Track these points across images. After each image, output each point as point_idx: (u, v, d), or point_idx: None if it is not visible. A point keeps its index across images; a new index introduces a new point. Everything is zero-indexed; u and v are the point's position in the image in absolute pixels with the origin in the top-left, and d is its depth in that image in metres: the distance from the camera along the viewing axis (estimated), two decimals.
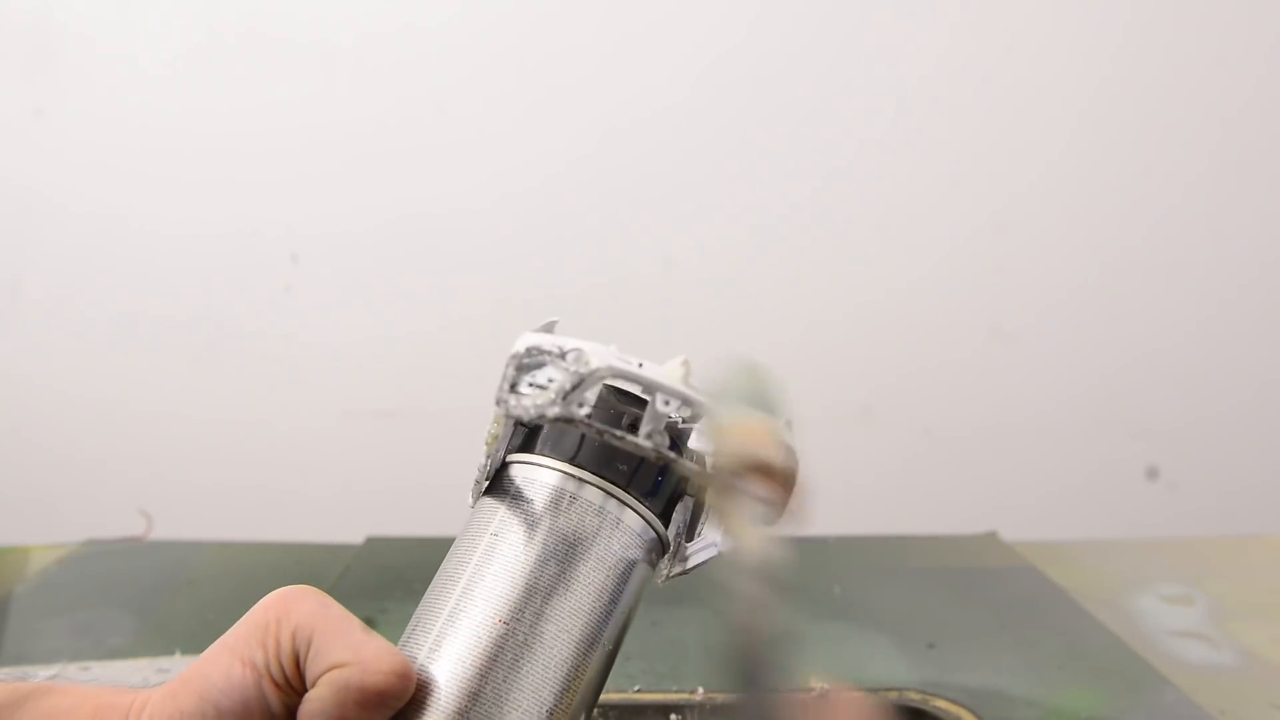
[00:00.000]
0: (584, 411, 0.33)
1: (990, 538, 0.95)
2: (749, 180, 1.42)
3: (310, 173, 1.39)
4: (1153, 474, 1.51)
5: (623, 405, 0.35)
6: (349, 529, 0.96)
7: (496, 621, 0.32)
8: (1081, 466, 1.50)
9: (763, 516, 0.22)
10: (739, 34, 1.38)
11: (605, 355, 0.33)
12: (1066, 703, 0.64)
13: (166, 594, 0.82)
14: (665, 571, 0.37)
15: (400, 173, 1.40)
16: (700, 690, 0.64)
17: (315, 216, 1.40)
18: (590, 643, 0.33)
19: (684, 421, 0.36)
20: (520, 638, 0.32)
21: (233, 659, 0.31)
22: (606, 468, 0.35)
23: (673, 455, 0.33)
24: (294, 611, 0.31)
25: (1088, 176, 1.44)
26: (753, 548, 0.21)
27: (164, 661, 0.63)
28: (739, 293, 1.45)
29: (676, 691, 0.65)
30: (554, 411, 0.32)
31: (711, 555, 0.37)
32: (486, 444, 0.36)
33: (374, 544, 0.93)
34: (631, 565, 0.35)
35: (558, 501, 0.34)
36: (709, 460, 0.25)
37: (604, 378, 0.33)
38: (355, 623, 0.31)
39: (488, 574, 0.33)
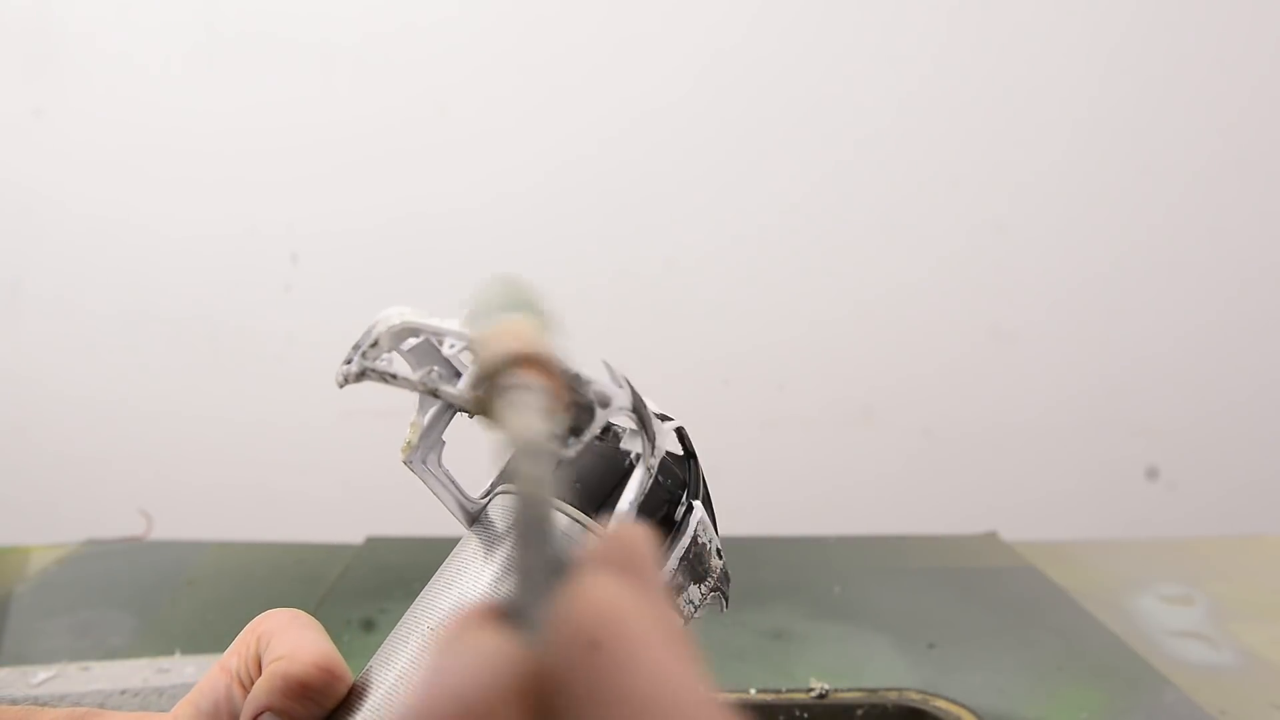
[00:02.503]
0: (381, 365, 0.34)
1: (990, 538, 0.95)
2: (749, 180, 1.42)
3: (310, 173, 1.39)
4: (1153, 474, 1.51)
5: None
6: (349, 529, 0.96)
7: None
8: (1081, 466, 1.50)
9: (529, 403, 0.23)
10: (739, 34, 1.38)
11: (399, 311, 0.34)
12: (1066, 703, 0.64)
13: (166, 594, 0.82)
14: None
15: (400, 172, 1.40)
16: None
17: (315, 216, 1.40)
18: None
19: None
20: None
21: (216, 669, 0.34)
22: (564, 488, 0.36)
23: (443, 387, 0.33)
24: (266, 621, 0.33)
25: (1088, 176, 1.44)
26: (523, 429, 0.21)
27: (164, 661, 0.63)
28: (739, 293, 1.45)
29: None
30: (348, 370, 0.34)
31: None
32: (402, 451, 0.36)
33: (374, 544, 0.93)
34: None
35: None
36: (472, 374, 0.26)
37: (394, 327, 0.34)
38: (313, 628, 0.33)
39: (439, 589, 0.34)
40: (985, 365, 1.47)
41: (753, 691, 0.64)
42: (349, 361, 0.35)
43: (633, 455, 0.40)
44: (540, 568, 0.18)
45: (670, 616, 0.18)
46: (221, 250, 1.41)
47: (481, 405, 0.24)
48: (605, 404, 0.32)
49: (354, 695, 0.32)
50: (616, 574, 0.18)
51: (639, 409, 0.34)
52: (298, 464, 1.45)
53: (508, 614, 0.18)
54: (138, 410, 1.44)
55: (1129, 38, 1.41)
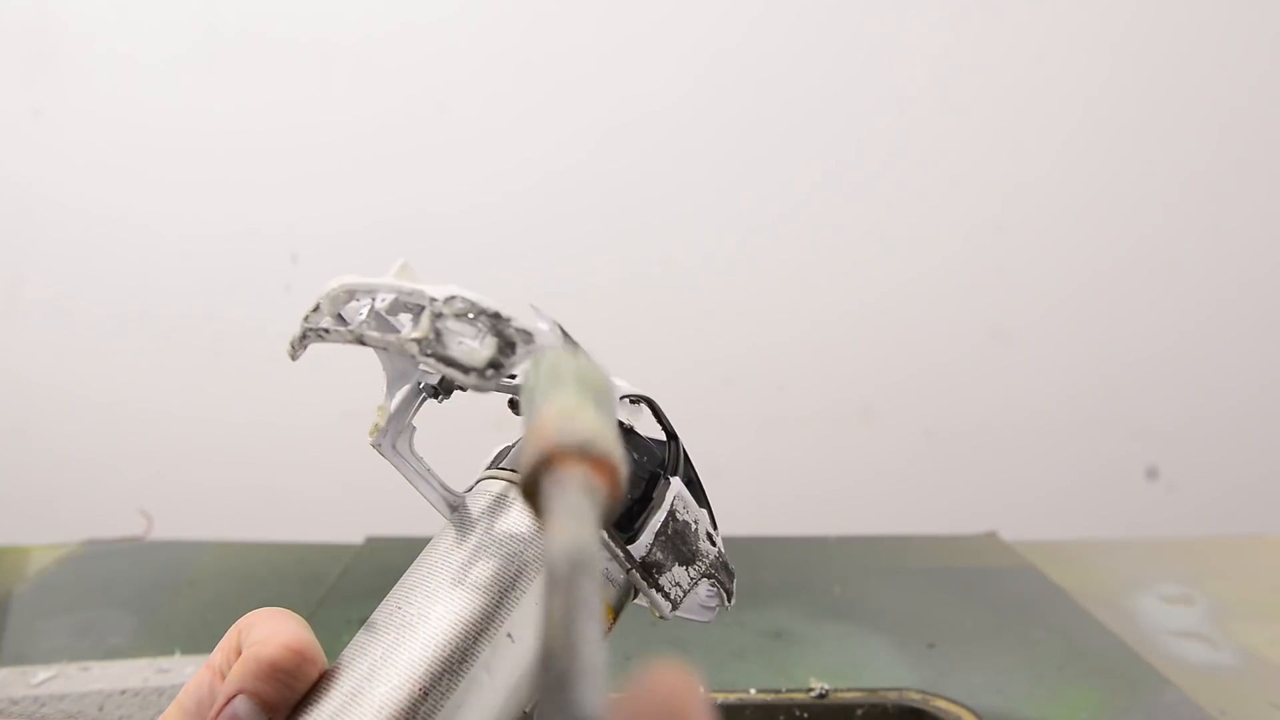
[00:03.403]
0: (323, 324, 0.34)
1: (990, 538, 0.95)
2: (749, 180, 1.42)
3: (310, 172, 1.39)
4: (1153, 474, 1.51)
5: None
6: (349, 529, 0.96)
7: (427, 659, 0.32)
8: (1081, 466, 1.50)
9: (576, 504, 0.21)
10: (739, 33, 1.38)
11: (339, 278, 0.35)
12: (1066, 703, 0.64)
13: (166, 594, 0.82)
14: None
15: (400, 172, 1.40)
16: (700, 690, 0.64)
17: (315, 216, 1.40)
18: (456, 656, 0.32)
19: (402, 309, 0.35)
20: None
21: (204, 668, 0.34)
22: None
23: (369, 333, 0.33)
24: (249, 618, 0.34)
25: (1088, 176, 1.44)
26: (562, 537, 0.19)
27: (164, 661, 0.63)
28: (739, 293, 1.45)
29: None
30: (298, 330, 0.35)
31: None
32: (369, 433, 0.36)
33: (374, 544, 0.93)
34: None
35: (496, 508, 0.35)
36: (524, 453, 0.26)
37: (331, 291, 0.35)
38: (290, 618, 0.33)
39: (414, 580, 0.34)
40: (985, 365, 1.47)
41: (753, 691, 0.64)
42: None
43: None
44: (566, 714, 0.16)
45: None
46: (221, 250, 1.41)
47: (529, 495, 0.22)
48: (528, 340, 0.31)
49: (326, 680, 0.32)
50: None
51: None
52: (298, 464, 1.45)
53: None
54: (138, 410, 1.44)
55: (1129, 38, 1.41)
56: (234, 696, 0.31)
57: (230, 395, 1.44)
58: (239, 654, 0.33)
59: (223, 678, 0.33)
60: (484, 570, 0.33)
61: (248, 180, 1.40)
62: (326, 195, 1.40)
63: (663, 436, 0.39)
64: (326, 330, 0.35)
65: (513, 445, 0.39)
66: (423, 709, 0.30)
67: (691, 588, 0.38)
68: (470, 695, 0.31)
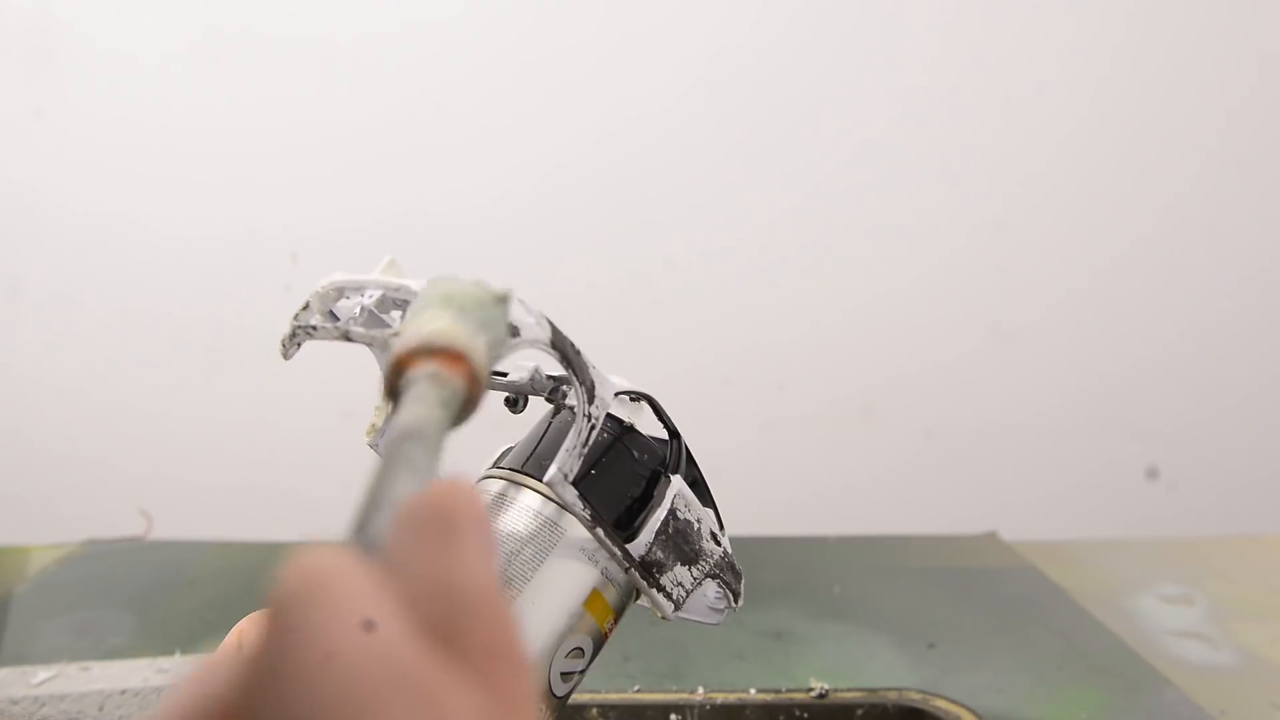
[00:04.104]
0: (312, 321, 0.35)
1: (990, 538, 0.95)
2: (749, 180, 1.42)
3: (310, 172, 1.39)
4: (1153, 474, 1.51)
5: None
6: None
7: None
8: (1081, 466, 1.50)
9: (420, 391, 0.23)
10: (739, 33, 1.38)
11: (330, 275, 0.36)
12: (1066, 703, 0.64)
13: (166, 594, 0.82)
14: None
15: (400, 172, 1.40)
16: (700, 690, 0.64)
17: (315, 216, 1.40)
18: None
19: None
20: None
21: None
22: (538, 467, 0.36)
23: (354, 328, 0.34)
24: (249, 620, 0.35)
25: (1087, 176, 1.44)
26: (401, 416, 0.22)
27: (164, 661, 0.63)
28: (739, 293, 1.45)
29: (676, 691, 0.65)
30: (288, 328, 0.36)
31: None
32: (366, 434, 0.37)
33: None
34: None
35: (498, 506, 0.35)
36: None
37: (320, 290, 0.35)
38: None
39: None
40: (985, 365, 1.47)
41: (753, 691, 0.64)
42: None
43: (570, 405, 0.39)
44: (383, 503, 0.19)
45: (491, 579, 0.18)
46: (221, 250, 1.41)
47: (391, 393, 0.24)
48: (515, 333, 0.31)
49: None
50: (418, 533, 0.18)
51: (562, 347, 0.33)
52: (298, 464, 1.45)
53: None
54: (138, 410, 1.44)
55: (1129, 37, 1.41)
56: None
57: (230, 395, 1.44)
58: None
59: None
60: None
61: (248, 180, 1.40)
62: (326, 195, 1.40)
63: (664, 435, 0.39)
64: (314, 327, 0.35)
65: (514, 446, 0.39)
66: None
67: (695, 588, 0.38)
68: None
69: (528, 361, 0.39)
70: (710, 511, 0.38)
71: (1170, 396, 1.49)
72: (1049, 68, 1.41)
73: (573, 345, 0.34)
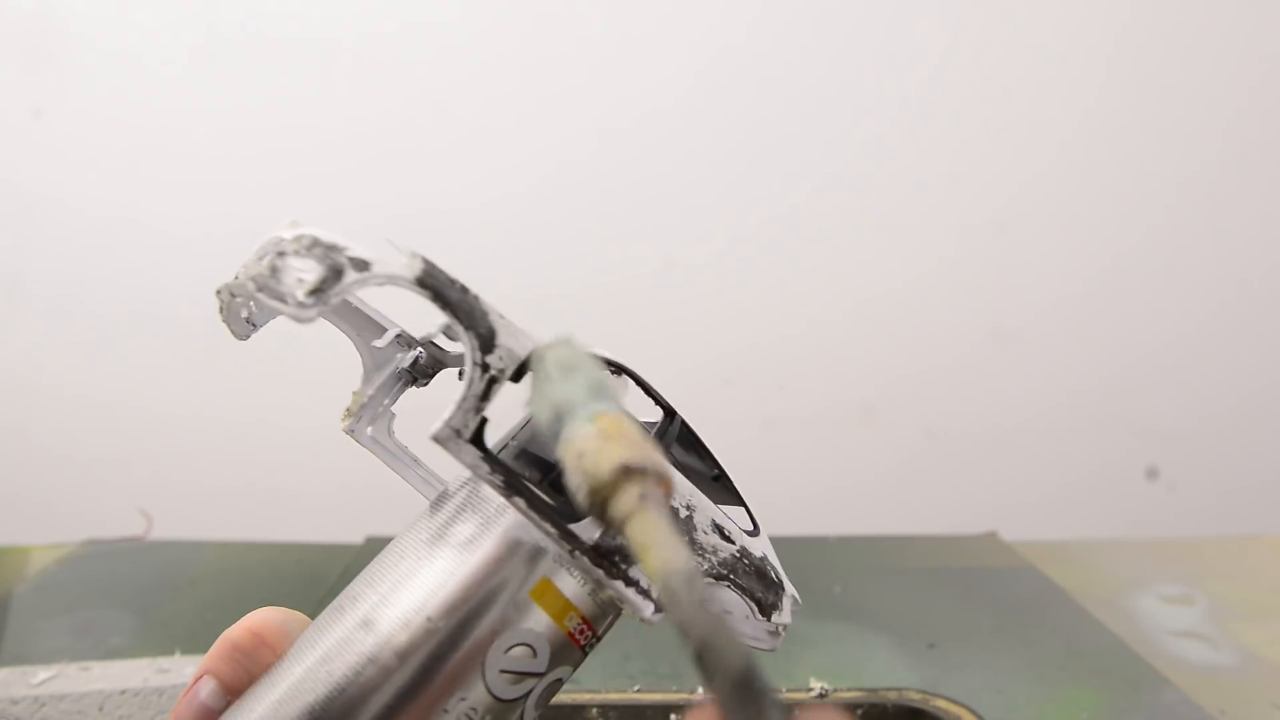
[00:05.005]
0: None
1: (990, 538, 0.95)
2: (749, 179, 1.42)
3: (310, 172, 1.39)
4: (1153, 474, 1.51)
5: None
6: (349, 529, 0.96)
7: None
8: (1081, 466, 1.50)
9: (662, 525, 0.20)
10: (739, 33, 1.38)
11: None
12: (1066, 703, 0.64)
13: (166, 594, 0.82)
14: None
15: (400, 172, 1.40)
16: (700, 690, 0.64)
17: (315, 216, 1.40)
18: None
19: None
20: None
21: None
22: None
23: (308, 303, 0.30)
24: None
25: (1088, 176, 1.44)
26: (665, 564, 0.19)
27: (164, 661, 0.63)
28: (739, 292, 1.45)
29: (676, 691, 0.65)
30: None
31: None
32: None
33: (374, 544, 0.93)
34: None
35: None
36: (577, 488, 0.23)
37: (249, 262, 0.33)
38: (283, 610, 0.33)
39: (377, 573, 0.31)
40: (985, 365, 1.47)
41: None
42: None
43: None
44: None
45: None
46: (222, 250, 1.40)
47: (602, 519, 0.22)
48: (362, 268, 0.29)
49: (278, 667, 0.31)
50: None
51: (432, 282, 0.30)
52: (298, 464, 1.45)
53: None
54: (138, 410, 1.44)
55: (1129, 37, 1.41)
56: (201, 677, 0.31)
57: (230, 395, 1.44)
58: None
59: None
60: (459, 533, 0.31)
61: (248, 180, 1.40)
62: (326, 195, 1.40)
63: (656, 418, 0.36)
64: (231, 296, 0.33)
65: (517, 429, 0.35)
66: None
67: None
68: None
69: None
70: (714, 504, 0.34)
71: (1170, 396, 1.49)
72: (1049, 68, 1.41)
73: (459, 285, 0.31)
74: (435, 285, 0.30)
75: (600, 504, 0.22)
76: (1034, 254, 1.45)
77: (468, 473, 0.30)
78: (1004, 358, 1.47)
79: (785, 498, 1.49)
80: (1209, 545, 0.95)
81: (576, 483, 0.23)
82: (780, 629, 0.35)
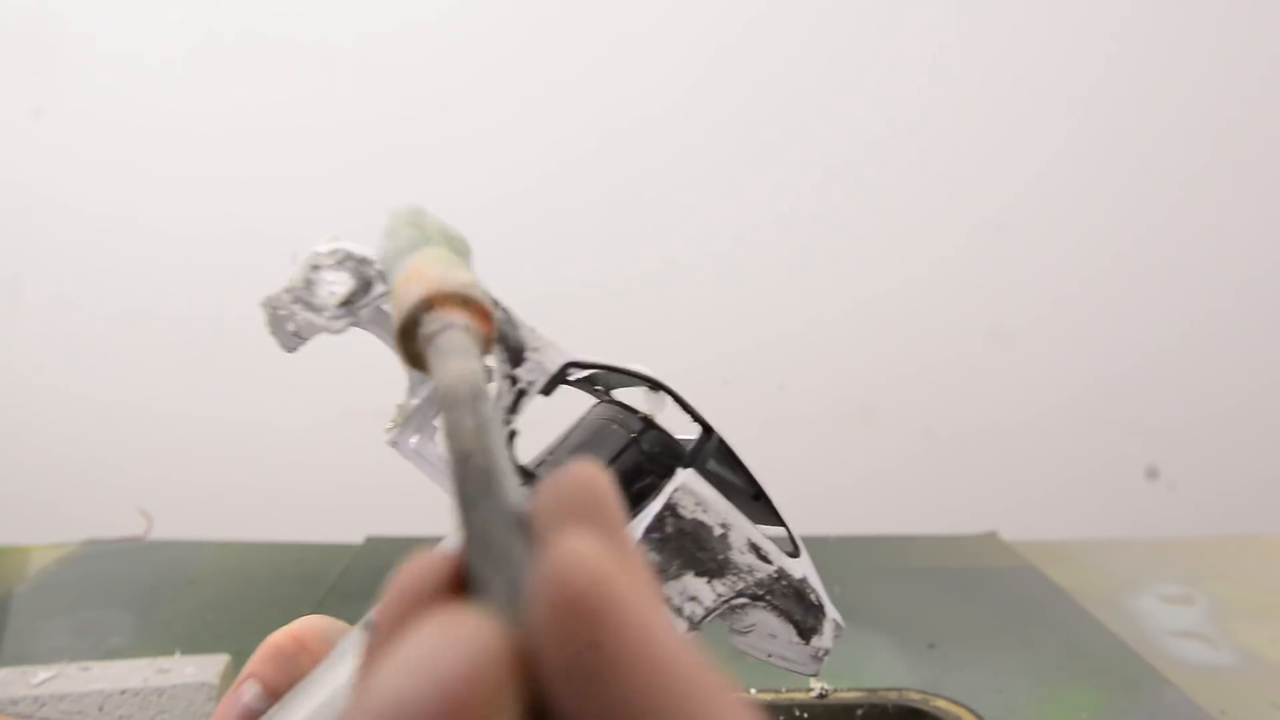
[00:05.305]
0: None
1: (990, 538, 0.95)
2: (748, 179, 1.42)
3: (310, 172, 1.39)
4: (1153, 474, 1.51)
5: None
6: (349, 529, 0.96)
7: None
8: (1081, 466, 1.50)
9: (455, 344, 0.21)
10: (738, 33, 1.38)
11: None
12: (1066, 703, 0.64)
13: (166, 594, 0.82)
14: None
15: (400, 172, 1.40)
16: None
17: (315, 216, 1.40)
18: None
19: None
20: None
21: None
22: None
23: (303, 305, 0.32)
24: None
25: (1087, 177, 1.44)
26: (456, 368, 0.20)
27: (164, 661, 0.63)
28: (739, 292, 1.45)
29: None
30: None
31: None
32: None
33: (374, 544, 0.93)
34: None
35: None
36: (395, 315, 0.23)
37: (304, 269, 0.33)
38: (322, 618, 0.33)
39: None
40: (985, 365, 1.47)
41: (753, 691, 0.64)
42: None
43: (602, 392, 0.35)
44: (496, 529, 0.16)
45: (650, 581, 0.16)
46: (221, 250, 1.41)
47: (412, 358, 0.22)
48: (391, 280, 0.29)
49: (318, 673, 0.31)
50: (587, 532, 0.15)
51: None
52: (298, 464, 1.45)
53: (467, 582, 0.16)
54: (138, 410, 1.44)
55: (1128, 37, 1.41)
56: (246, 679, 0.32)
57: (230, 395, 1.44)
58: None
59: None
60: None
61: (248, 180, 1.40)
62: (326, 195, 1.40)
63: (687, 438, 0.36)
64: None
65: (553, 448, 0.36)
66: None
67: (720, 607, 0.32)
68: None
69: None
70: (751, 523, 0.33)
71: (1170, 396, 1.49)
72: (1049, 68, 1.41)
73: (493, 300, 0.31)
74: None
75: (407, 342, 0.22)
76: (1034, 254, 1.45)
77: None
78: (1004, 358, 1.47)
79: (785, 498, 1.48)
80: (1209, 545, 0.95)
81: (407, 295, 0.23)
82: (821, 653, 0.34)
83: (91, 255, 1.41)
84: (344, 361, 1.49)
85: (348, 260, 0.32)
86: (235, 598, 0.81)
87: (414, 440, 0.34)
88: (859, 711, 0.64)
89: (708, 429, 0.35)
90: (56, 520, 1.32)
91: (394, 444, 0.34)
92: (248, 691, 0.31)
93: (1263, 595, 0.82)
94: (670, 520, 0.32)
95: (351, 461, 1.43)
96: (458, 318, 0.22)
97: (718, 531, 0.32)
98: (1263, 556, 0.92)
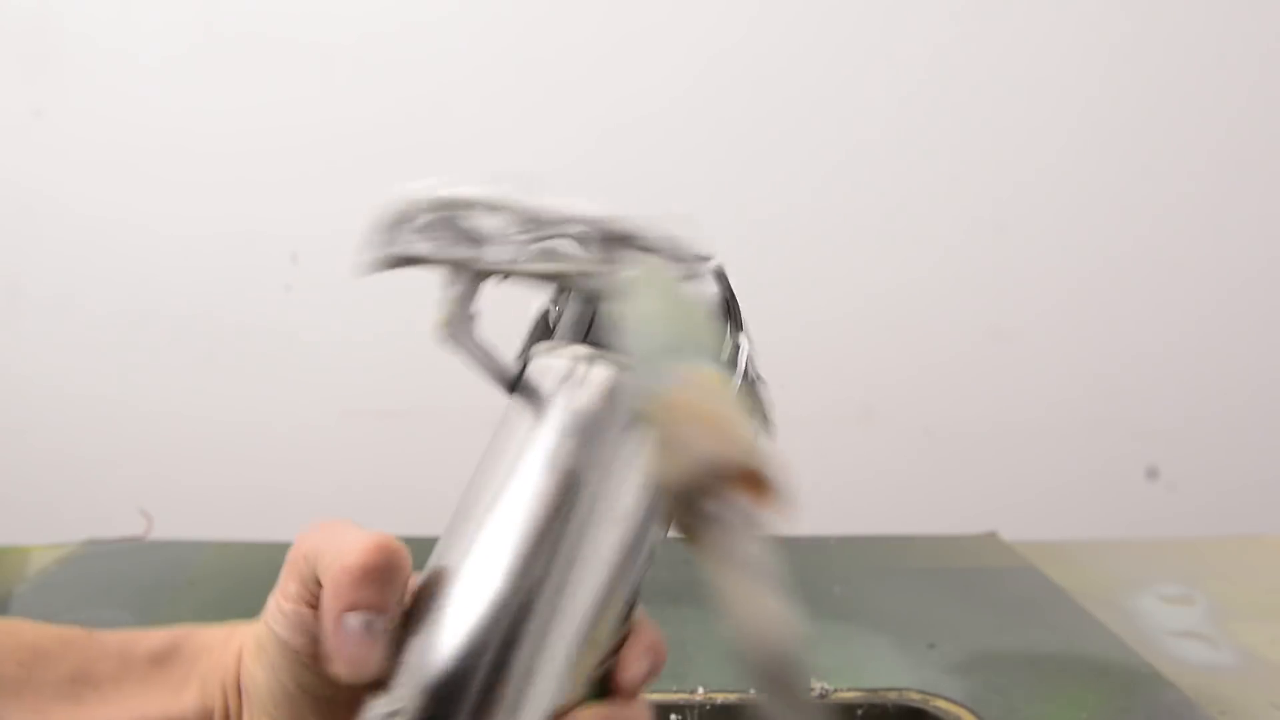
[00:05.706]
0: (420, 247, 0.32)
1: (990, 538, 0.95)
2: (748, 179, 1.42)
3: (310, 172, 1.39)
4: (1153, 474, 1.51)
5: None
6: None
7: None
8: (1081, 466, 1.50)
9: (759, 560, 0.16)
10: (738, 32, 1.38)
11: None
12: (1066, 703, 0.64)
13: (166, 594, 0.82)
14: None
15: (400, 172, 1.39)
16: (700, 690, 0.64)
17: (315, 216, 1.40)
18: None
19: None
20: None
21: (279, 597, 0.34)
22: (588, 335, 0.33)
23: (461, 256, 0.31)
24: (309, 541, 0.34)
25: (1087, 176, 1.44)
26: (762, 620, 0.16)
27: None
28: (739, 293, 1.45)
29: (676, 691, 0.65)
30: (371, 256, 0.32)
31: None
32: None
33: None
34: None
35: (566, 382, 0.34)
36: (653, 463, 0.19)
37: (425, 206, 0.32)
38: (347, 524, 0.33)
39: (493, 461, 0.33)
40: (985, 365, 1.47)
41: (753, 691, 0.64)
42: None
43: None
44: None
45: None
46: (221, 250, 1.41)
47: (682, 525, 0.18)
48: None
49: (435, 576, 0.32)
50: None
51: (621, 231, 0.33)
52: (298, 464, 1.45)
53: None
54: (138, 410, 1.44)
55: (1129, 37, 1.41)
56: (340, 617, 0.30)
57: (230, 395, 1.44)
58: (316, 579, 0.32)
59: (305, 603, 0.33)
60: (574, 454, 0.32)
61: (248, 180, 1.39)
62: (326, 195, 1.40)
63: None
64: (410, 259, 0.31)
65: (552, 318, 0.36)
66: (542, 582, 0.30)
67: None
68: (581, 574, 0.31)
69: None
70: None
71: (1170, 396, 1.49)
72: (1049, 67, 1.41)
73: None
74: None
75: (679, 493, 0.18)
76: (1034, 254, 1.45)
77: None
78: (1003, 358, 1.47)
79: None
80: (1209, 545, 0.95)
81: (654, 447, 0.19)
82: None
83: (91, 255, 1.41)
84: (344, 362, 1.49)
85: (530, 223, 0.30)
86: (235, 598, 0.81)
87: (461, 333, 0.33)
88: (859, 711, 0.64)
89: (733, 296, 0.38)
90: (56, 520, 1.32)
91: (447, 340, 0.33)
92: (354, 622, 0.30)
93: (1263, 595, 0.82)
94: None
95: (351, 461, 1.43)
96: (753, 503, 0.18)
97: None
98: (1263, 556, 0.92)
